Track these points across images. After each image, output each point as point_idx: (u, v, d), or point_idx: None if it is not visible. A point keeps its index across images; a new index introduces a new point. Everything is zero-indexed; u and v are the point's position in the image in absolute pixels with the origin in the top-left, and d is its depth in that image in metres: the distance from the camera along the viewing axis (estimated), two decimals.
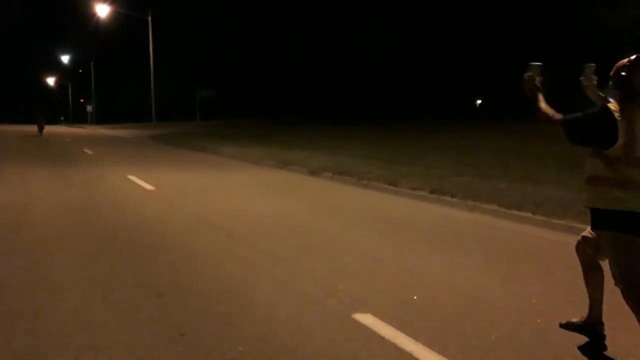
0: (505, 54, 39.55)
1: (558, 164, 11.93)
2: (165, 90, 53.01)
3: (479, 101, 51.91)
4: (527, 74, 3.64)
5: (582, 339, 3.67)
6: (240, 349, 3.58)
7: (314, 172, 13.13)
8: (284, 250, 6.14)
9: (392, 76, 44.02)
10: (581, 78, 3.87)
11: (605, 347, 3.57)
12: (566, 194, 8.42)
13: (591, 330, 3.66)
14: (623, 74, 3.25)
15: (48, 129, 38.01)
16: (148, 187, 10.81)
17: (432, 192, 9.55)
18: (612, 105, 3.25)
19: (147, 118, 41.21)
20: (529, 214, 7.48)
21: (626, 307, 3.49)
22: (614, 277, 3.30)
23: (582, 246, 3.67)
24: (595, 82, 3.86)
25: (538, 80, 3.60)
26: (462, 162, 13.26)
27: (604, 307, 3.68)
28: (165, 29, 48.73)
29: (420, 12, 41.48)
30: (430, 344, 3.61)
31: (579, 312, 3.84)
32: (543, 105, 3.52)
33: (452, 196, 9.04)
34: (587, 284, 3.69)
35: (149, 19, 35.61)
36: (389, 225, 7.56)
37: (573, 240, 6.36)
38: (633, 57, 3.28)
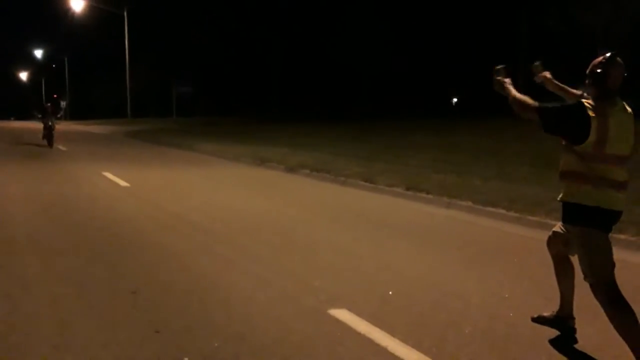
0: (481, 54, 39.96)
1: (533, 161, 12.13)
2: (142, 86, 52.46)
3: (454, 99, 52.41)
4: (495, 78, 3.72)
5: (554, 333, 3.75)
6: (216, 345, 3.58)
7: (291, 169, 13.12)
8: (261, 247, 6.14)
9: (372, 74, 44.21)
10: (534, 79, 4.00)
11: (575, 341, 3.65)
12: (540, 191, 8.55)
13: (562, 324, 3.74)
14: (599, 71, 3.30)
15: (20, 124, 36.86)
16: (123, 183, 10.70)
17: (408, 189, 9.62)
18: (587, 102, 3.29)
19: (123, 114, 40.78)
20: (503, 211, 7.59)
21: (596, 302, 3.57)
22: (583, 272, 3.37)
23: (553, 241, 3.73)
24: (548, 75, 3.99)
25: (507, 81, 3.68)
26: (438, 159, 13.38)
27: (575, 301, 3.75)
28: (142, 24, 48.11)
29: (399, 12, 41.69)
30: (405, 339, 3.65)
31: (551, 307, 3.91)
32: (515, 92, 3.56)
33: (428, 193, 9.11)
34: (558, 279, 3.76)
35: (125, 14, 35.16)
36: (366, 222, 7.60)
37: (546, 236, 6.49)
38: (608, 54, 3.32)
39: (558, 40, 29.63)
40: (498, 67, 3.74)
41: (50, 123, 19.81)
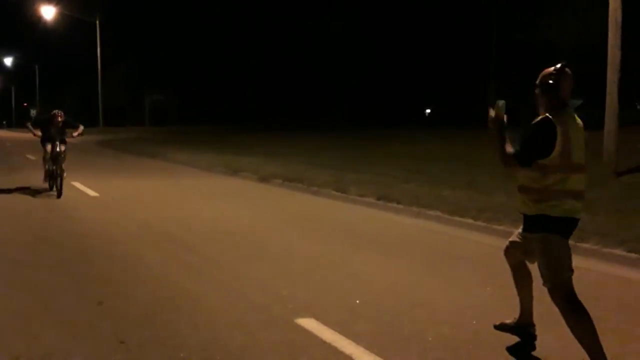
0: (453, 66, 40.64)
1: (500, 171, 12.31)
2: (114, 94, 51.87)
3: (428, 110, 53.03)
4: (493, 113, 3.49)
5: (515, 339, 3.82)
6: (181, 355, 3.57)
7: (264, 179, 13.13)
8: (231, 256, 6.14)
9: (346, 85, 44.50)
10: (491, 114, 3.56)
11: (534, 347, 3.73)
12: (506, 200, 8.70)
13: (523, 330, 3.82)
14: (551, 82, 3.37)
15: (6, 134, 35.92)
16: (92, 193, 10.58)
17: (379, 198, 9.71)
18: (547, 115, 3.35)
19: (95, 123, 40.28)
20: (471, 220, 7.71)
21: (556, 309, 3.66)
22: (542, 276, 3.44)
23: (511, 251, 3.81)
24: (505, 121, 3.57)
25: (505, 118, 3.51)
26: (410, 170, 13.52)
27: (536, 308, 3.84)
28: (114, 32, 47.66)
29: (374, 23, 42.11)
30: (370, 347, 3.69)
31: (514, 314, 3.98)
32: (510, 149, 3.41)
33: (398, 203, 9.21)
34: (518, 288, 3.84)
35: (97, 22, 34.83)
36: (337, 232, 7.65)
37: None
38: (559, 65, 3.41)
39: (527, 53, 30.29)
40: (499, 100, 3.50)
41: (57, 148, 10.30)
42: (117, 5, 54.72)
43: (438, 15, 38.89)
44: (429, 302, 4.65)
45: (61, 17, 37.81)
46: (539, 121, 3.36)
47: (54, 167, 10.31)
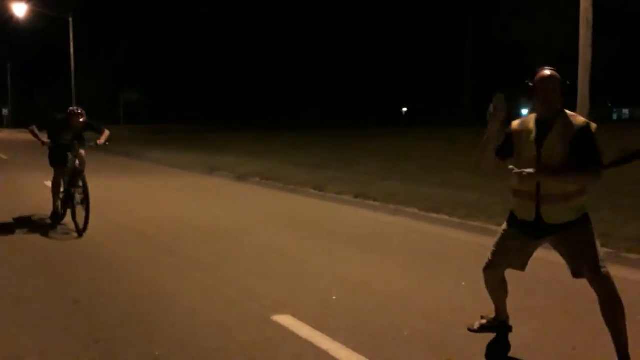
0: (429, 65, 40.95)
1: (474, 169, 12.47)
2: (88, 93, 51.08)
3: (404, 109, 53.35)
4: (493, 107, 3.32)
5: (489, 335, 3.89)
6: (156, 353, 3.56)
7: (241, 178, 13.10)
8: (208, 255, 6.13)
9: (324, 83, 44.56)
10: (491, 110, 3.35)
11: (508, 343, 3.78)
12: (481, 197, 8.85)
13: (499, 326, 3.84)
14: (530, 85, 3.37)
15: None
16: (49, 184, 10.46)
17: (356, 196, 9.77)
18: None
19: None
20: (446, 217, 7.81)
21: (530, 303, 3.75)
22: (596, 264, 3.26)
23: (498, 270, 3.69)
24: (503, 115, 3.39)
25: (504, 115, 3.35)
26: (387, 167, 13.62)
27: (511, 302, 3.89)
28: (88, 29, 46.97)
29: (350, 21, 42.21)
30: (346, 342, 3.72)
31: (487, 308, 4.03)
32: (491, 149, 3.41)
33: (375, 200, 9.28)
34: (496, 297, 3.79)
35: (70, 20, 34.30)
36: (314, 229, 7.68)
37: (486, 241, 6.72)
38: (538, 69, 3.41)
39: (502, 50, 30.69)
40: (498, 94, 3.35)
41: (77, 162, 7.38)
42: (91, 2, 53.94)
43: (414, 13, 39.13)
44: (404, 297, 4.71)
45: (33, 15, 37.12)
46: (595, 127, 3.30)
47: (73, 190, 7.17)
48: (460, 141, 20.44)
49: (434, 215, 8.03)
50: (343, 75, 44.67)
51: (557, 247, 3.45)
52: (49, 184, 8.06)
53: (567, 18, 11.00)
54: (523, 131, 3.39)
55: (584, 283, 4.50)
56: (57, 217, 7.60)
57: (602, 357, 3.54)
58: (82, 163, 7.33)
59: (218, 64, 51.50)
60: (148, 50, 56.37)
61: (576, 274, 3.36)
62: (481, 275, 4.01)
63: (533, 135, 3.33)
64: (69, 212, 7.41)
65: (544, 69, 3.37)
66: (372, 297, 4.71)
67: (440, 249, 6.57)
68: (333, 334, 3.84)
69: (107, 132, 7.80)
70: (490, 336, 3.74)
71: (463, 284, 5.09)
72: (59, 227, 7.49)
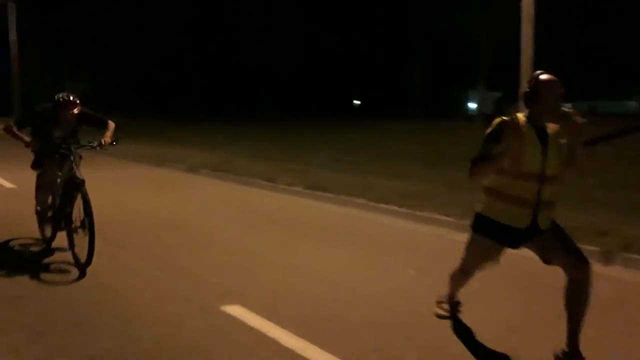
0: (379, 58, 41.31)
1: (425, 160, 12.78)
2: (33, 82, 49.23)
3: (357, 102, 53.73)
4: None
5: (436, 318, 4.02)
6: (105, 345, 3.53)
7: (192, 169, 12.96)
8: (157, 247, 6.07)
9: (276, 75, 44.35)
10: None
11: (459, 321, 3.92)
12: (429, 188, 9.06)
13: (452, 307, 3.99)
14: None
15: None
16: (8, 185, 10.11)
17: (307, 187, 9.83)
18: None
19: (9, 112, 38.12)
20: (395, 207, 7.96)
21: (484, 288, 3.89)
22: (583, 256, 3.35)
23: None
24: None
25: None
26: (338, 159, 13.73)
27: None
28: (33, 14, 45.15)
29: (299, 13, 42.09)
30: (295, 330, 3.78)
31: (433, 294, 4.15)
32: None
33: (326, 191, 9.36)
34: (457, 286, 3.94)
35: (8, 3, 32.86)
36: (265, 220, 7.70)
37: (434, 230, 6.96)
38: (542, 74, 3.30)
39: (450, 44, 31.30)
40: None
41: (74, 168, 5.44)
42: None
43: (363, 6, 39.37)
44: (352, 285, 4.81)
45: None
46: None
47: (69, 209, 5.31)
48: (411, 133, 20.79)
49: (383, 205, 8.17)
50: (295, 68, 44.60)
51: (537, 246, 3.42)
52: (8, 185, 7.54)
53: (513, 12, 11.31)
54: (525, 135, 3.22)
55: (527, 271, 4.70)
56: (53, 224, 5.69)
57: (538, 339, 3.73)
58: (79, 179, 5.34)
59: (171, 55, 50.42)
60: (99, 40, 54.62)
61: (548, 261, 3.43)
62: (427, 263, 4.17)
63: (536, 143, 3.22)
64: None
65: (543, 73, 3.26)
66: (321, 285, 4.79)
67: (389, 238, 6.71)
68: (282, 323, 3.89)
69: (112, 126, 5.86)
70: (437, 320, 3.88)
71: (410, 271, 5.23)
72: None
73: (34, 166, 5.97)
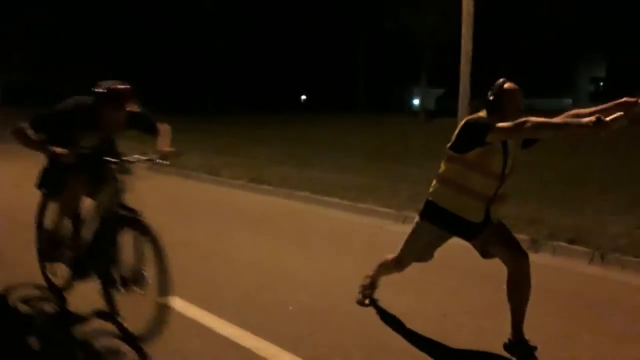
0: (326, 54, 41.53)
1: (367, 153, 12.98)
2: None
3: (303, 97, 53.84)
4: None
5: (370, 306, 4.12)
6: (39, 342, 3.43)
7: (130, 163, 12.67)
8: None
9: (222, 68, 43.83)
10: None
11: (383, 310, 4.03)
12: (371, 180, 9.21)
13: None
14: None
15: None
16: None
17: (251, 180, 9.81)
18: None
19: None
20: (337, 199, 8.06)
21: (405, 277, 4.00)
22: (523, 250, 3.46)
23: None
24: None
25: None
26: (283, 153, 13.75)
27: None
28: None
29: (246, 7, 41.74)
30: (232, 319, 3.79)
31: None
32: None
33: (270, 184, 9.37)
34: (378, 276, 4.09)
35: None
36: (207, 213, 7.64)
37: (374, 221, 7.07)
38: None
39: (394, 41, 31.78)
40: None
41: (118, 195, 3.88)
42: None
43: (309, 2, 39.44)
44: (292, 275, 4.85)
45: None
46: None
47: (112, 252, 3.84)
48: (355, 128, 21.01)
49: (326, 198, 8.25)
50: (241, 62, 44.23)
51: (480, 240, 3.49)
52: None
53: (454, 10, 11.61)
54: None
55: (458, 259, 4.86)
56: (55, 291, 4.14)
57: (469, 322, 3.87)
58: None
59: (110, 45, 48.91)
60: (31, 30, 52.40)
61: (487, 255, 3.53)
62: (366, 253, 4.25)
63: (499, 145, 3.31)
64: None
65: (507, 82, 3.37)
66: (260, 276, 4.80)
67: (330, 230, 6.78)
68: (220, 313, 3.89)
69: (167, 129, 4.38)
70: (372, 307, 3.97)
71: (348, 261, 5.31)
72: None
73: (43, 185, 4.10)
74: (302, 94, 53.72)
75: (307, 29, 41.04)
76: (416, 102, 39.36)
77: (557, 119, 3.15)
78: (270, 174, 10.19)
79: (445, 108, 26.41)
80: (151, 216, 6.97)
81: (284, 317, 3.88)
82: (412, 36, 26.60)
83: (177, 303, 4.07)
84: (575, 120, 3.01)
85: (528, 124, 2.99)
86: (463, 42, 9.79)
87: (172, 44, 44.09)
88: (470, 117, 3.42)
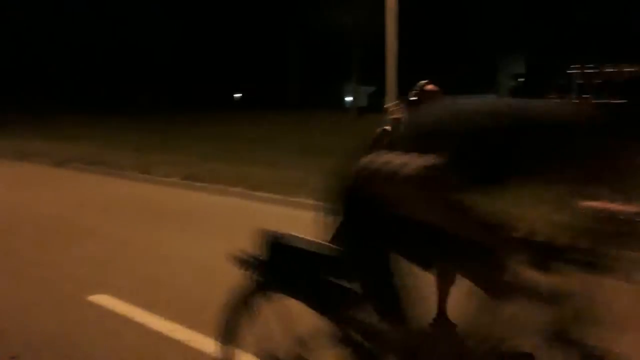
0: (259, 51, 41.42)
1: (300, 149, 13.15)
2: None
3: (237, 95, 53.47)
4: None
5: None
6: None
7: (60, 163, 12.29)
8: (21, 242, 5.80)
9: (153, 66, 42.88)
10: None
11: None
12: (304, 175, 9.35)
13: None
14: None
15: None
16: None
17: (185, 178, 9.75)
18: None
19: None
20: (270, 194, 8.16)
21: None
22: None
23: None
24: None
25: None
26: (217, 150, 13.70)
27: None
28: None
29: (177, 8, 41.02)
30: (166, 314, 3.82)
31: None
32: None
33: (204, 181, 9.35)
34: None
35: None
36: (137, 211, 7.55)
37: (305, 214, 7.21)
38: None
39: (326, 38, 32.13)
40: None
41: None
42: None
43: (241, 2, 39.24)
44: (225, 269, 4.82)
45: None
46: None
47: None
48: (289, 124, 21.14)
49: (259, 193, 8.33)
50: (174, 60, 43.45)
51: None
52: None
53: (379, 8, 11.92)
54: None
55: None
56: None
57: None
58: None
59: (43, 42, 46.72)
60: None
61: None
62: None
63: None
64: None
65: (429, 83, 3.47)
66: (193, 271, 4.84)
67: (262, 224, 6.83)
68: (151, 308, 3.92)
69: None
70: None
71: None
72: None
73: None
74: (236, 92, 53.34)
75: (238, 26, 40.79)
76: (349, 98, 39.93)
77: None
78: (204, 172, 10.15)
79: (378, 104, 26.98)
80: (83, 216, 6.92)
81: (219, 310, 3.95)
82: (340, 34, 27.01)
83: (107, 301, 4.09)
84: None
85: None
86: (388, 40, 10.09)
87: (100, 42, 42.71)
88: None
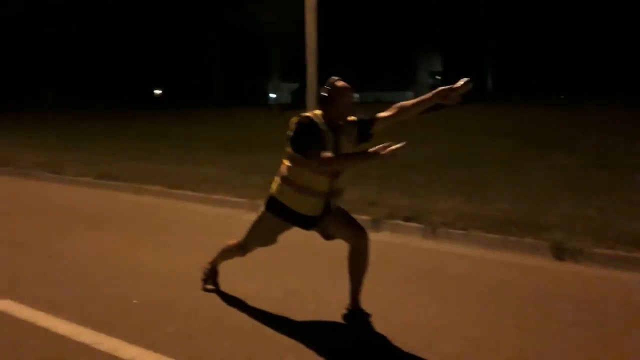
0: (179, 48, 40.55)
1: (222, 147, 12.95)
2: None
3: (158, 91, 52.04)
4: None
5: (216, 293, 4.18)
6: None
7: None
8: None
9: (63, 63, 40.90)
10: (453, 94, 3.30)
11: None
12: (225, 172, 9.23)
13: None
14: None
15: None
16: None
17: (98, 177, 9.36)
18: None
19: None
20: (190, 192, 7.97)
21: (252, 261, 4.12)
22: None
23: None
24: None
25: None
26: (133, 147, 13.25)
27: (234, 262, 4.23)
28: None
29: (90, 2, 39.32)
30: (71, 317, 3.65)
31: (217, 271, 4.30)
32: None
33: (119, 180, 9.01)
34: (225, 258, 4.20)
35: None
36: (46, 213, 7.17)
37: (226, 212, 7.12)
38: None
39: (247, 35, 31.87)
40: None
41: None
42: None
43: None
44: (138, 269, 4.75)
45: None
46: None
47: None
48: (211, 121, 20.79)
49: (178, 191, 8.12)
50: (86, 56, 41.66)
51: (322, 226, 3.66)
52: None
53: (297, 6, 11.91)
54: (326, 132, 3.43)
55: (304, 243, 5.09)
56: None
57: (313, 299, 4.07)
58: None
59: None
60: None
61: (329, 237, 3.74)
62: (218, 241, 4.28)
63: (331, 139, 3.43)
64: None
65: (339, 80, 3.49)
66: (104, 272, 4.65)
67: (181, 222, 6.70)
68: (56, 312, 3.73)
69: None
70: (218, 294, 4.04)
71: (196, 252, 5.30)
72: None
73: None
74: (155, 88, 51.87)
75: (159, 22, 39.68)
76: (273, 95, 39.80)
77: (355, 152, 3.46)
78: (119, 170, 9.80)
79: (300, 101, 27.07)
80: None
81: (127, 310, 3.81)
82: (261, 30, 26.88)
83: (9, 306, 3.86)
84: (365, 152, 3.24)
85: (333, 159, 3.31)
86: (308, 37, 10.06)
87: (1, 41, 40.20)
88: (302, 119, 3.47)
